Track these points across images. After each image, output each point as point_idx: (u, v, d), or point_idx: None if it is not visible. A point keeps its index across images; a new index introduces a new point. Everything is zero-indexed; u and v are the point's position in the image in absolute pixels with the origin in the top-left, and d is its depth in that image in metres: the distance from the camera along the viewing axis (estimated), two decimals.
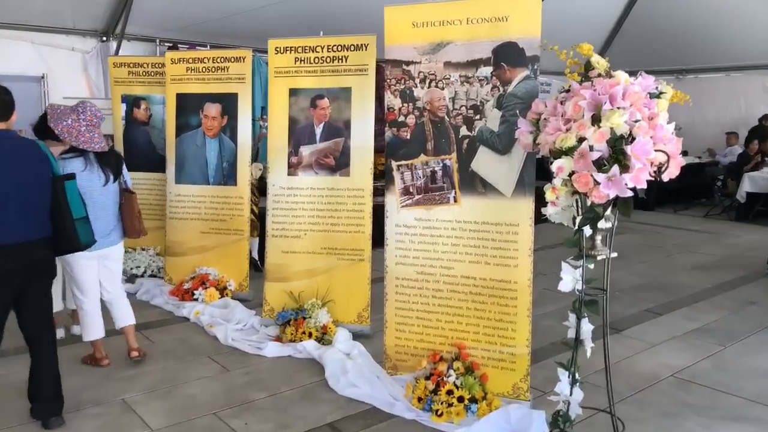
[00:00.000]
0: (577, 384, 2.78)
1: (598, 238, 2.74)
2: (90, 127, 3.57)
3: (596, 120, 2.46)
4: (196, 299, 4.93)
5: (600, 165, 2.43)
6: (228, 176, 5.24)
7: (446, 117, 3.24)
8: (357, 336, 4.15)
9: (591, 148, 2.42)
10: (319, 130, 4.43)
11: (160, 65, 5.79)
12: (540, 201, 2.85)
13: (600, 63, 2.68)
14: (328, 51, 4.40)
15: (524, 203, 3.07)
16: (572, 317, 2.81)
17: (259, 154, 7.01)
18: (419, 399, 3.15)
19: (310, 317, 4.11)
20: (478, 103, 3.16)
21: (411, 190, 3.35)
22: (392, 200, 3.40)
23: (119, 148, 6.16)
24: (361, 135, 4.30)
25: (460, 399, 3.06)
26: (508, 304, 3.16)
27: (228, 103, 5.24)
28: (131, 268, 5.70)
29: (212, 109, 5.27)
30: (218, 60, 5.28)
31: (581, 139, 2.45)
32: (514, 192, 3.10)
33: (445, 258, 3.28)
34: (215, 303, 4.88)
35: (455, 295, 3.28)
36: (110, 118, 6.23)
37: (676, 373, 3.78)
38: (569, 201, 2.64)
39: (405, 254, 3.38)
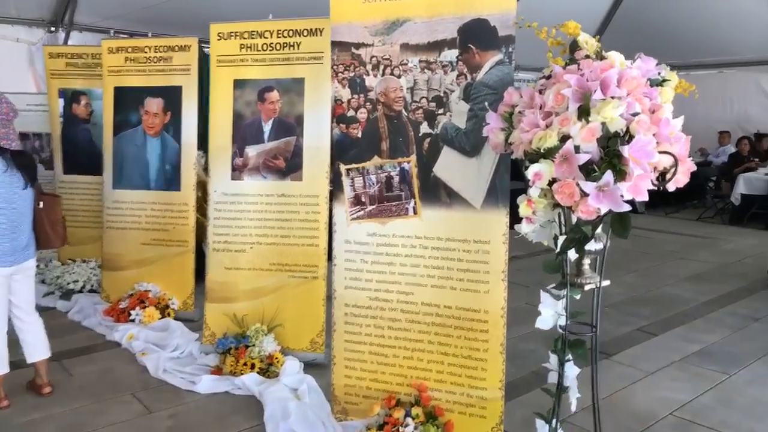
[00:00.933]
0: None
1: (586, 262, 2.20)
2: (6, 122, 3.04)
3: (584, 113, 1.91)
4: (133, 320, 4.33)
5: (589, 171, 1.87)
6: (171, 180, 4.64)
7: (404, 111, 2.68)
8: (309, 366, 3.58)
9: (577, 149, 1.87)
10: (267, 128, 3.86)
11: (101, 56, 5.18)
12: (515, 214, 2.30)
13: (589, 43, 2.13)
14: (278, 36, 3.82)
15: (496, 216, 2.52)
16: (554, 359, 2.27)
17: None
18: None
19: (253, 345, 3.54)
20: (442, 94, 2.61)
21: (363, 199, 2.78)
22: (341, 211, 2.84)
23: (57, 147, 5.57)
24: (315, 133, 3.73)
25: None
26: (478, 338, 2.61)
27: (171, 97, 4.64)
28: (68, 283, 5.10)
29: (153, 105, 4.67)
30: (160, 49, 4.68)
31: (565, 138, 1.89)
32: (484, 202, 2.55)
33: (403, 281, 2.72)
34: (154, 324, 4.29)
35: (415, 326, 2.72)
36: (46, 114, 5.63)
37: (676, 410, 3.24)
38: (550, 215, 2.09)
39: (356, 276, 2.82)
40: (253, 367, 3.45)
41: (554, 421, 2.29)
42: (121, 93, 4.78)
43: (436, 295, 2.66)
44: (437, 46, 2.58)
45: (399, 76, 2.67)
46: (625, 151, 1.83)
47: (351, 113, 2.79)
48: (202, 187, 4.65)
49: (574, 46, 2.13)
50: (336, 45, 2.80)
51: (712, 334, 4.37)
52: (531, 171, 1.92)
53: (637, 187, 1.86)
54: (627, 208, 1.85)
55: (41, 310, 3.53)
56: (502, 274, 2.57)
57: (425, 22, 2.60)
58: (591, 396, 2.32)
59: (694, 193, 10.43)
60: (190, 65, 4.62)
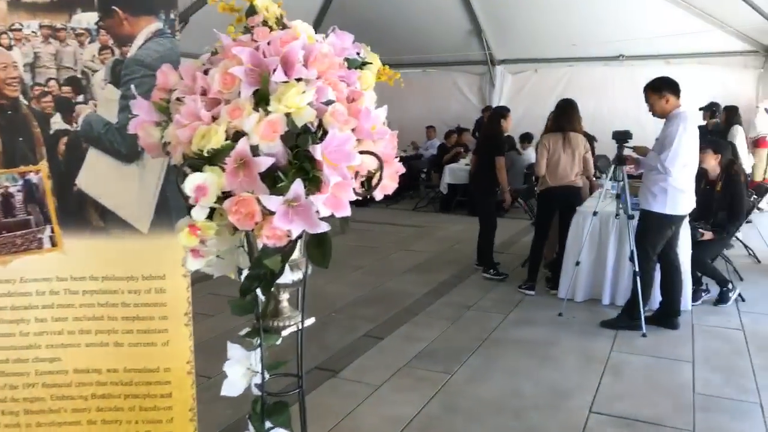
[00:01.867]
0: None
1: (284, 297, 1.70)
2: None
3: (262, 100, 1.37)
4: None
5: (274, 180, 1.34)
6: None
7: (22, 98, 1.85)
8: None
9: (256, 151, 1.33)
10: None
11: None
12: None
13: (270, 8, 1.60)
14: None
15: (171, 241, 1.87)
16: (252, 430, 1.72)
17: None
18: None
19: None
20: (80, 75, 1.85)
21: None
22: None
23: None
24: None
25: None
26: (158, 406, 1.93)
27: None
28: None
29: None
30: None
31: (238, 135, 1.33)
32: (153, 224, 1.88)
33: (43, 344, 1.90)
34: None
35: (67, 404, 1.93)
36: None
37: (404, 429, 3.02)
38: (230, 242, 1.52)
39: None
40: None
41: None
42: None
43: (94, 358, 1.90)
44: (65, 5, 1.81)
45: (9, 47, 1.82)
46: (317, 151, 1.34)
47: None
48: None
49: (251, 11, 1.58)
50: None
51: (432, 329, 4.37)
52: (190, 183, 1.31)
53: (336, 199, 1.39)
54: (325, 228, 1.37)
55: None
56: (186, 317, 1.94)
57: None
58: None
59: (409, 185, 11.12)
60: None
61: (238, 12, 1.63)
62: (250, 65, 1.40)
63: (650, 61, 10.62)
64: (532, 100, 11.36)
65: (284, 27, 1.57)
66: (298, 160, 1.38)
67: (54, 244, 1.89)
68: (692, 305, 4.69)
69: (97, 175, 1.87)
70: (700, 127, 9.10)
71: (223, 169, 1.34)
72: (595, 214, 4.59)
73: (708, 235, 4.78)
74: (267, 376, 1.65)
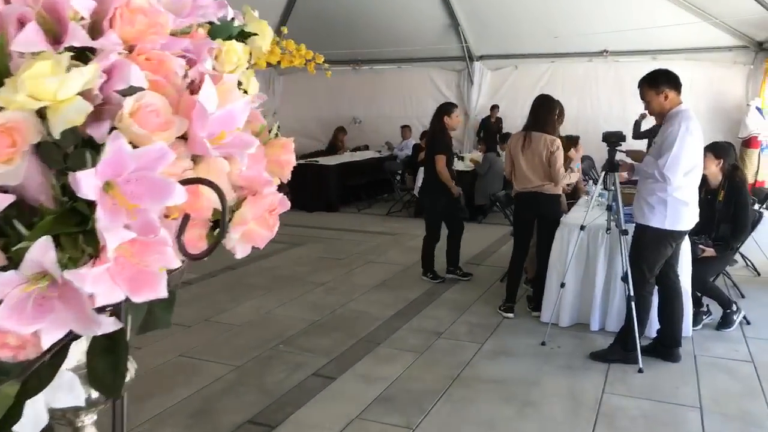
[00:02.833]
0: None
1: (88, 420, 1.04)
2: None
3: None
4: None
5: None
6: None
7: None
8: None
9: None
10: None
11: None
12: None
13: None
14: None
15: None
16: None
17: None
18: None
19: None
20: None
21: None
22: None
23: None
24: None
25: None
26: None
27: None
28: None
29: None
30: None
31: None
32: None
33: None
34: None
35: None
36: None
37: None
38: None
39: None
40: None
41: None
42: None
43: None
44: None
45: None
46: (85, 182, 0.69)
47: None
48: None
49: None
50: None
51: (395, 365, 3.74)
52: None
53: (136, 271, 0.73)
54: (108, 327, 0.72)
55: None
56: None
57: None
58: None
59: (383, 187, 10.50)
60: None
61: None
62: None
63: (636, 56, 10.13)
64: (512, 98, 10.81)
65: None
66: (70, 198, 0.71)
67: None
68: (693, 330, 4.12)
69: None
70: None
71: None
72: (582, 228, 3.99)
73: (709, 252, 4.21)
74: None
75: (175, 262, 0.74)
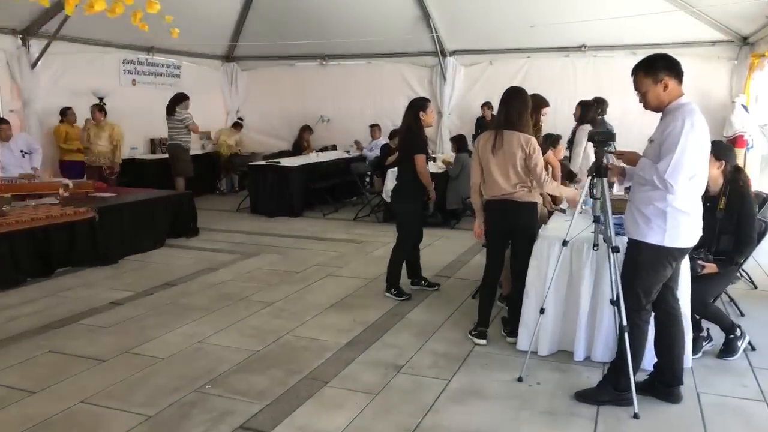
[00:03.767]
0: None
1: None
2: None
3: None
4: None
5: None
6: None
7: None
8: None
9: None
10: None
11: None
12: None
13: None
14: None
15: None
16: None
17: None
18: None
19: None
20: None
21: None
22: None
23: None
24: None
25: None
26: None
27: None
28: None
29: None
30: None
31: None
32: None
33: None
34: None
35: None
36: None
37: None
38: None
39: None
40: None
41: None
42: None
43: None
44: None
45: None
46: None
47: None
48: None
49: None
50: None
51: (343, 413, 3.08)
52: None
53: None
54: None
55: None
56: None
57: None
58: None
59: (351, 190, 9.84)
60: None
61: None
62: None
63: (615, 51, 9.63)
64: (487, 95, 10.18)
65: None
66: None
67: None
68: (693, 358, 3.54)
69: None
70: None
71: None
72: (565, 243, 3.37)
73: (710, 268, 3.64)
74: None
75: None
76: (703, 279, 3.59)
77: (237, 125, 11.39)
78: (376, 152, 9.71)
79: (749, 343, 3.76)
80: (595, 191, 3.23)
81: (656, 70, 2.88)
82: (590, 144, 3.69)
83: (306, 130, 11.15)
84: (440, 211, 7.69)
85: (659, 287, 3.02)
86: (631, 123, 7.81)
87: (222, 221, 8.38)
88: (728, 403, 3.18)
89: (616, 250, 3.14)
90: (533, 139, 3.86)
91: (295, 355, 3.81)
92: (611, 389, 3.12)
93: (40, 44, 7.92)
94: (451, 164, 7.85)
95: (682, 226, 2.90)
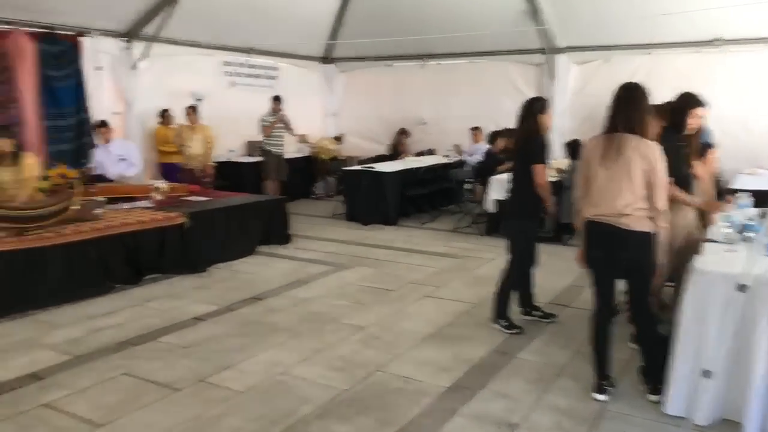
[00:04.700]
0: None
1: None
2: None
3: None
4: None
5: None
6: None
7: None
8: None
9: None
10: None
11: None
12: None
13: None
14: None
15: None
16: None
17: None
18: None
19: None
20: None
21: None
22: None
23: None
24: None
25: None
26: None
27: None
28: None
29: None
30: None
31: None
32: None
33: None
34: None
35: None
36: None
37: None
38: None
39: None
40: None
41: None
42: None
43: None
44: None
45: None
46: None
47: None
48: None
49: None
50: None
51: None
52: None
53: None
54: None
55: None
56: None
57: None
58: None
59: (450, 197, 9.21)
60: None
61: None
62: None
63: (757, 45, 8.35)
64: (602, 97, 9.09)
65: None
66: None
67: None
68: None
69: None
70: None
71: None
72: (742, 288, 2.57)
73: None
74: None
75: None
76: None
77: (338, 138, 11.24)
78: (478, 157, 9.00)
79: None
80: None
81: None
82: None
83: (403, 133, 10.66)
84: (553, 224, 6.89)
85: None
86: None
87: (315, 228, 8.04)
88: None
89: None
90: (658, 149, 3.07)
91: (387, 400, 3.26)
92: None
93: (142, 46, 7.92)
94: (565, 172, 7.03)
95: None
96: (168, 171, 8.18)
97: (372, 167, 8.76)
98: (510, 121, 9.41)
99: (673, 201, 3.30)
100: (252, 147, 10.11)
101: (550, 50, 9.59)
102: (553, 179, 7.08)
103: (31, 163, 5.66)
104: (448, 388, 3.39)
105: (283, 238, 7.09)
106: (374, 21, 10.02)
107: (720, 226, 3.54)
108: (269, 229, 6.93)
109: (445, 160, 9.81)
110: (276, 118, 8.82)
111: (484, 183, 7.71)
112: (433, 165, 9.40)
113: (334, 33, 10.65)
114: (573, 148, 7.24)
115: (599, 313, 3.29)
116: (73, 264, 4.98)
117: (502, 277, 4.36)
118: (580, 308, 4.70)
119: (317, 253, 6.70)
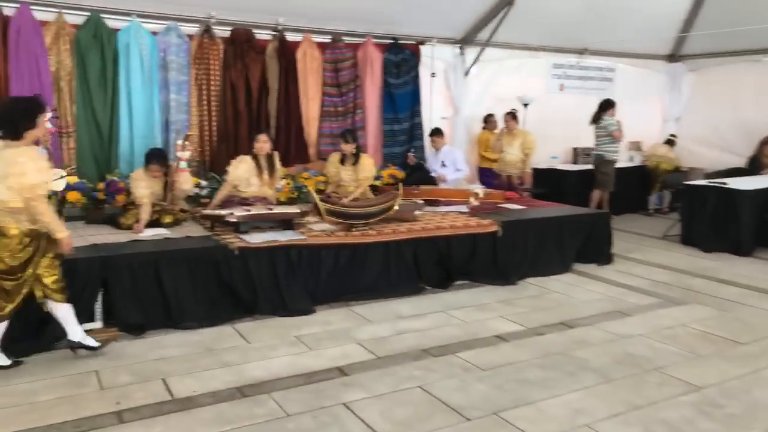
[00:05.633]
0: None
1: None
2: None
3: None
4: None
5: None
6: None
7: None
8: None
9: None
10: None
11: None
12: None
13: None
14: None
15: None
16: None
17: None
18: None
19: None
20: None
21: None
22: None
23: None
24: None
25: None
26: None
27: None
28: None
29: None
30: None
31: None
32: None
33: None
34: None
35: None
36: None
37: None
38: None
39: None
40: None
41: None
42: None
43: None
44: None
45: None
46: None
47: None
48: None
49: None
50: None
51: None
52: None
53: None
54: None
55: None
56: None
57: None
58: None
59: None
60: None
61: None
62: None
63: None
64: None
65: None
66: None
67: None
68: None
69: None
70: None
71: None
72: None
73: None
74: None
75: None
76: None
77: (670, 142, 9.75)
78: None
79: None
80: None
81: None
82: None
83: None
84: None
85: None
86: None
87: (643, 249, 7.02)
88: None
89: None
90: None
91: None
92: None
93: (475, 52, 7.98)
94: None
95: None
96: (485, 176, 8.15)
97: (724, 182, 7.25)
98: None
99: None
100: (577, 154, 9.45)
101: None
102: None
103: (368, 164, 6.14)
104: None
105: (604, 257, 6.33)
106: (738, 8, 8.30)
107: None
108: (588, 246, 6.26)
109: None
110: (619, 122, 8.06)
111: None
112: None
113: (687, 26, 9.20)
114: None
115: None
116: (390, 262, 5.18)
117: None
118: None
119: (642, 280, 5.77)
